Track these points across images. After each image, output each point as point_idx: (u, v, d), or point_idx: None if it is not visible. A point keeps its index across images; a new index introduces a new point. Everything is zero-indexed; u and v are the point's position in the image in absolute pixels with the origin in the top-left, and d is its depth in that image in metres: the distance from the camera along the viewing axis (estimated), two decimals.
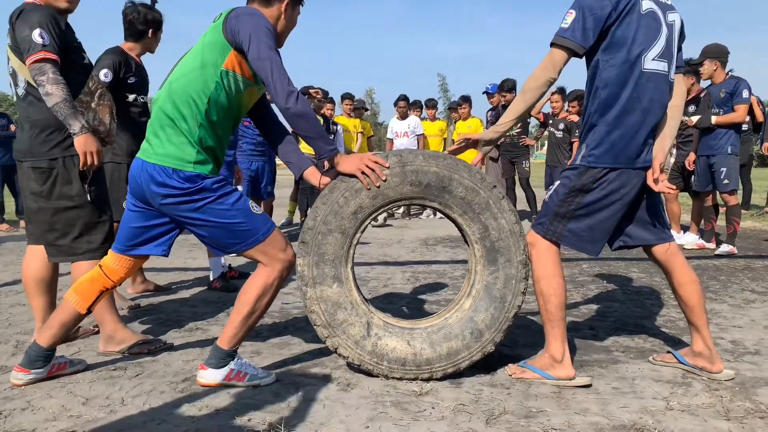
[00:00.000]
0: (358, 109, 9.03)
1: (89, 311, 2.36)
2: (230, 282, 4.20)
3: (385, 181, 2.26)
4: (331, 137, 8.06)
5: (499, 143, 8.06)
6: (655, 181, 2.26)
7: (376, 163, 2.26)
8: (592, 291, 4.03)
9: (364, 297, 2.38)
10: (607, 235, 2.38)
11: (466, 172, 2.30)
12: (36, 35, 2.47)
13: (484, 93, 8.44)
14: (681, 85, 2.42)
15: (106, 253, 2.84)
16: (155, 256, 2.36)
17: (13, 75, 2.66)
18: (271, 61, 2.10)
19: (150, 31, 3.65)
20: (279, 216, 8.18)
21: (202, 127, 2.16)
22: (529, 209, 8.01)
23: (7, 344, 2.89)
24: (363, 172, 2.26)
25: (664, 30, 2.27)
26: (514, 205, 8.09)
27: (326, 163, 2.33)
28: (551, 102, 7.45)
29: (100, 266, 2.37)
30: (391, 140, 9.01)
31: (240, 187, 5.67)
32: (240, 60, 2.17)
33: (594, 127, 2.30)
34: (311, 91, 6.92)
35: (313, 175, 2.42)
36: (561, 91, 7.34)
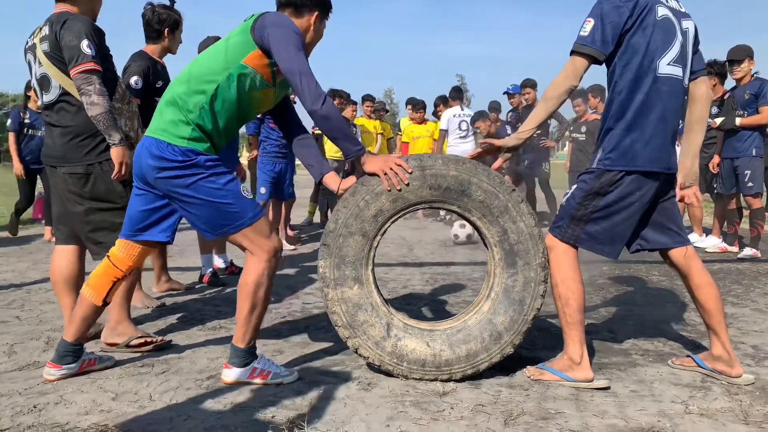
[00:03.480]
0: (378, 110, 9.08)
1: (106, 303, 2.41)
2: (220, 278, 4.40)
3: (407, 184, 2.29)
4: None
5: None
6: (681, 199, 2.33)
7: (399, 166, 2.30)
8: (612, 293, 4.02)
9: (384, 298, 2.42)
10: (625, 238, 2.39)
11: (485, 175, 2.33)
12: (84, 46, 2.57)
13: (504, 93, 8.43)
14: (703, 89, 2.41)
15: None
16: (161, 242, 2.40)
17: (44, 80, 2.73)
18: (299, 65, 2.17)
19: (166, 30, 3.71)
20: (299, 216, 8.27)
21: (203, 110, 2.21)
22: (549, 211, 7.98)
23: (38, 340, 2.99)
24: (386, 174, 2.30)
25: (679, 36, 2.29)
26: (534, 207, 8.13)
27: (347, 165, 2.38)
28: (573, 107, 7.41)
29: (108, 257, 2.43)
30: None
31: (265, 188, 5.77)
32: (262, 60, 2.23)
33: (610, 130, 2.32)
34: (338, 97, 7.12)
35: (332, 180, 2.46)
36: (582, 93, 7.29)
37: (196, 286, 4.30)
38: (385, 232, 2.37)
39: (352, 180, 2.41)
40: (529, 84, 7.74)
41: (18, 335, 3.07)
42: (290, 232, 6.37)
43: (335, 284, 2.34)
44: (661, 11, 2.27)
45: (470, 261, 5.31)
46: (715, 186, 5.85)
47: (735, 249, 5.71)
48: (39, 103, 2.83)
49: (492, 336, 2.33)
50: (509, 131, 8.06)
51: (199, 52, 4.44)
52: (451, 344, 2.33)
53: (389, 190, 2.30)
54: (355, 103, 8.34)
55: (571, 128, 7.60)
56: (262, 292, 2.30)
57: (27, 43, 2.83)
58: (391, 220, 2.36)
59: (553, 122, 10.32)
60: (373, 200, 2.32)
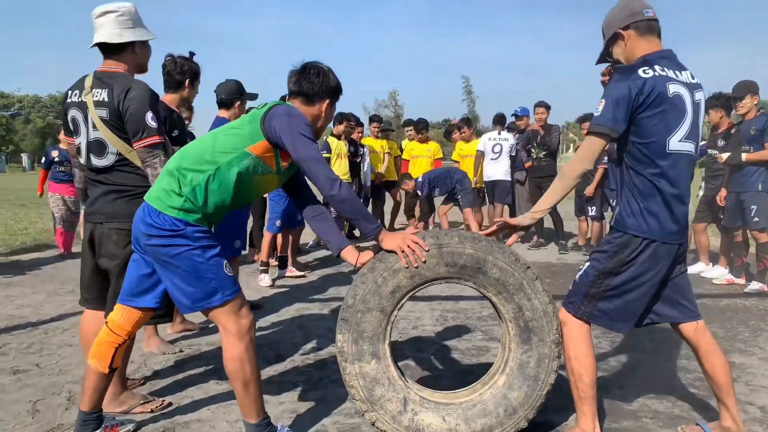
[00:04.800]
0: (385, 130, 9.18)
1: (113, 369, 2.45)
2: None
3: (424, 262, 2.35)
4: (359, 159, 8.21)
5: (525, 166, 8.14)
6: None
7: (416, 243, 2.36)
8: (620, 338, 4.07)
9: (401, 372, 2.48)
10: (638, 314, 2.44)
11: (500, 253, 2.38)
12: (149, 119, 2.63)
13: (512, 115, 8.50)
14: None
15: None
16: (152, 308, 2.45)
17: (98, 145, 2.71)
18: (311, 153, 2.27)
19: (187, 81, 3.79)
20: (308, 236, 8.32)
21: (198, 187, 2.27)
22: (555, 231, 8.01)
23: (60, 395, 3.06)
24: (404, 251, 2.35)
25: (690, 112, 2.32)
26: (541, 227, 8.19)
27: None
28: (583, 129, 7.46)
29: (106, 323, 2.47)
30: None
31: (280, 221, 5.83)
32: (267, 150, 2.32)
33: (622, 202, 2.38)
34: (346, 121, 7.24)
35: (350, 254, 2.52)
36: (586, 119, 7.33)
37: (210, 326, 4.36)
38: (402, 307, 2.43)
39: (369, 255, 2.46)
40: (543, 105, 7.83)
41: (40, 389, 3.14)
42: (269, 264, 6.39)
43: (353, 359, 2.39)
44: (673, 88, 2.30)
45: (479, 295, 5.34)
46: (721, 218, 5.89)
47: (742, 281, 5.75)
48: (83, 161, 2.80)
49: (507, 411, 2.38)
50: (522, 155, 8.13)
51: (216, 94, 4.55)
52: (466, 419, 2.39)
53: (407, 267, 2.36)
54: (362, 125, 8.43)
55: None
56: (248, 367, 2.34)
57: (69, 96, 2.80)
58: (408, 296, 2.42)
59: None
60: (390, 277, 2.38)
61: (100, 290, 2.83)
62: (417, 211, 8.65)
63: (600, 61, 2.62)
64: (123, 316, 2.44)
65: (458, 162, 8.97)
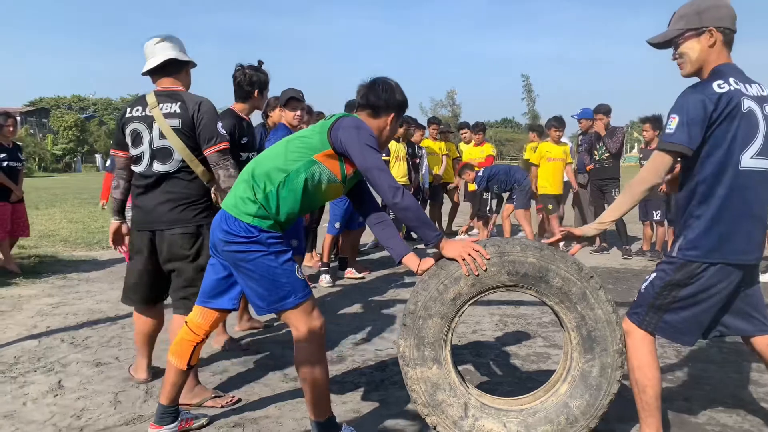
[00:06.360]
0: (444, 132, 9.22)
1: (190, 366, 2.60)
2: None
3: (485, 270, 2.39)
4: (417, 161, 8.28)
5: (587, 169, 7.97)
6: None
7: (477, 252, 2.40)
8: (687, 348, 3.96)
9: (462, 377, 2.52)
10: (704, 326, 2.39)
11: (562, 262, 2.39)
12: (220, 127, 3.00)
13: (572, 117, 8.38)
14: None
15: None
16: (228, 309, 2.59)
17: (163, 152, 2.97)
18: (375, 163, 2.35)
19: (256, 91, 3.95)
20: (366, 238, 8.45)
21: (270, 194, 2.38)
22: (618, 235, 7.82)
23: (138, 388, 3.26)
24: (465, 259, 2.40)
25: (762, 127, 2.25)
26: (604, 231, 7.99)
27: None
28: (643, 131, 7.26)
29: (186, 323, 2.62)
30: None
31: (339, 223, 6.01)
32: (333, 159, 2.42)
33: (691, 220, 2.32)
34: (406, 124, 7.38)
35: (412, 261, 2.57)
36: (654, 119, 7.11)
37: (275, 324, 4.52)
38: (462, 314, 2.47)
39: (430, 262, 2.51)
40: (602, 110, 7.64)
41: (119, 381, 3.36)
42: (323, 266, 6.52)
43: (415, 364, 2.45)
44: (746, 103, 2.22)
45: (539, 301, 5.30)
46: None
47: None
48: (142, 168, 3.01)
49: (568, 420, 2.39)
50: (585, 158, 7.99)
51: (280, 101, 4.73)
52: (527, 426, 2.40)
53: (468, 275, 2.40)
54: (423, 127, 8.51)
55: (641, 155, 7.44)
56: (317, 368, 2.44)
57: (131, 112, 3.05)
58: (469, 303, 2.46)
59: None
60: (451, 284, 2.42)
61: (145, 292, 3.16)
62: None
63: (659, 43, 2.43)
64: (202, 317, 2.60)
65: (536, 165, 8.05)
